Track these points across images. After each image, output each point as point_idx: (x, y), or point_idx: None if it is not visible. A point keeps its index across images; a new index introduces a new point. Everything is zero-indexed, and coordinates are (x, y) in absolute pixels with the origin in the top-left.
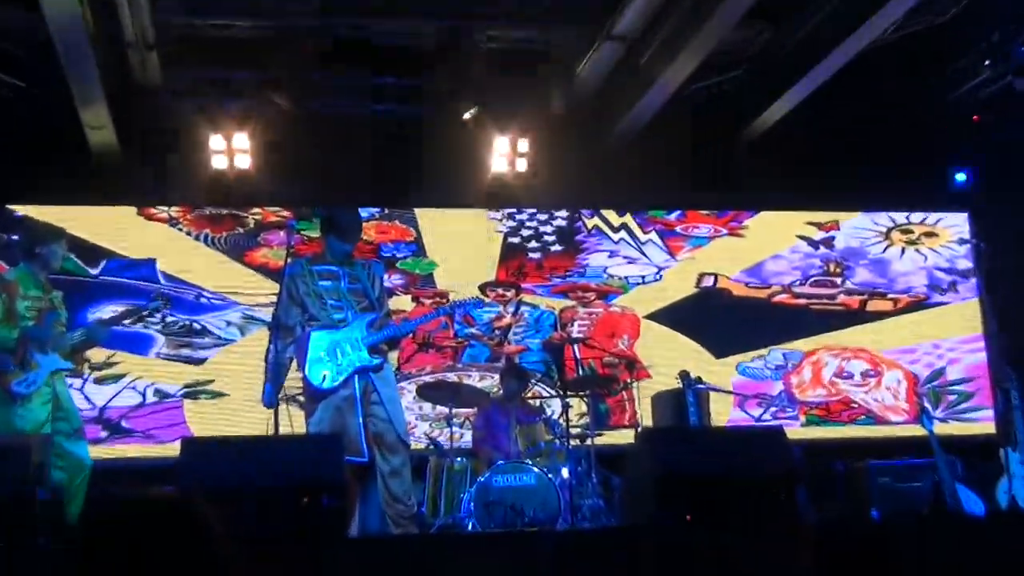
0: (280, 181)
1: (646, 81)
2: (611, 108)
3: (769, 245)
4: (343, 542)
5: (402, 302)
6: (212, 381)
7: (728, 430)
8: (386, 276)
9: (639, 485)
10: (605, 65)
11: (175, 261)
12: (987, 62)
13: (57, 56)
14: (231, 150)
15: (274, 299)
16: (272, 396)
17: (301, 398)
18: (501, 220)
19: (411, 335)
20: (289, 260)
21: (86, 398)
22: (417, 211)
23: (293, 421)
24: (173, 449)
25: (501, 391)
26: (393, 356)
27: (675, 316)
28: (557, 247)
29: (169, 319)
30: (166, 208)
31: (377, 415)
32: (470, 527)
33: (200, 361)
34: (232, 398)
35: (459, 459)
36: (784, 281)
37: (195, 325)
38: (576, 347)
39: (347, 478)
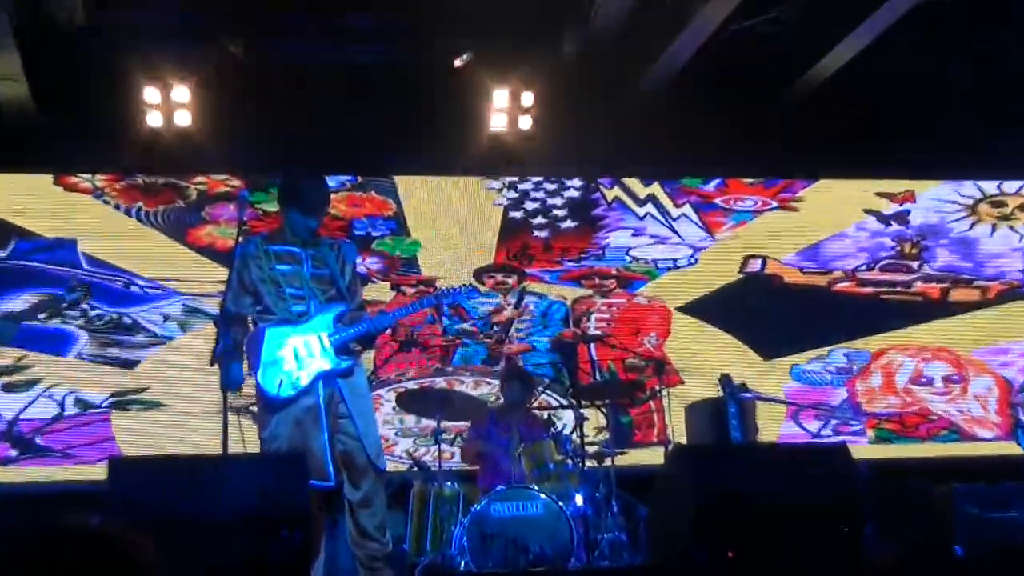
0: (229, 143)
1: (678, 20)
2: (635, 53)
3: (829, 221)
4: None
5: (379, 291)
6: (146, 388)
7: (780, 448)
8: (360, 259)
9: (670, 515)
10: (628, 0)
11: (101, 241)
12: None
13: None
14: (169, 105)
15: (222, 287)
16: (238, 373)
17: (255, 408)
18: (500, 190)
19: (389, 331)
20: (241, 239)
21: None
22: (397, 179)
23: (245, 437)
24: (98, 471)
25: (501, 400)
26: (368, 357)
27: (714, 308)
28: (569, 223)
29: (93, 312)
30: (90, 176)
31: (345, 431)
32: (462, 567)
33: (131, 364)
34: (171, 409)
35: (449, 483)
36: (848, 265)
37: (125, 320)
38: (592, 346)
39: (311, 507)
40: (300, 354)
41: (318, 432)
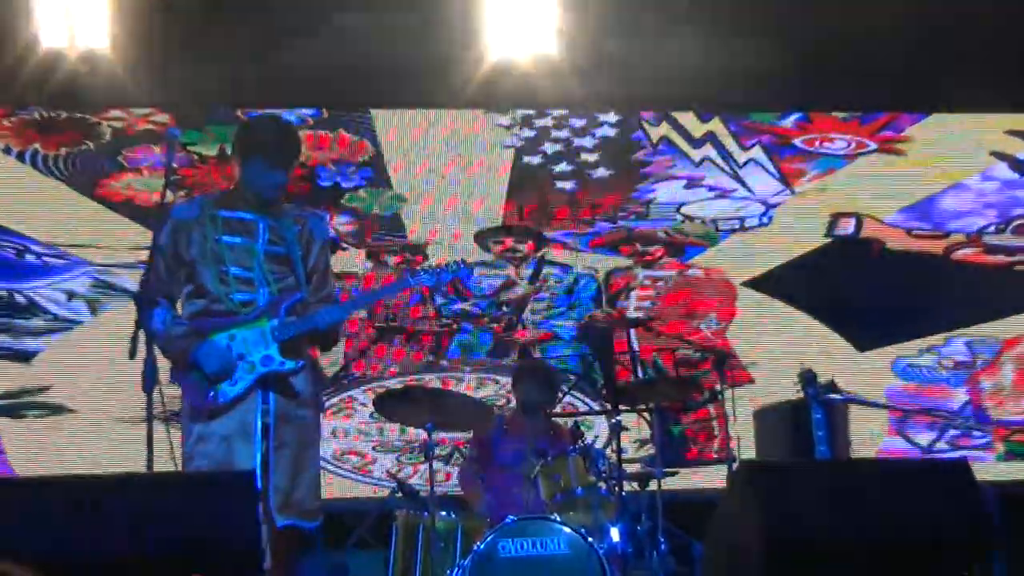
0: (153, 67)
1: None
2: None
3: (946, 168)
4: None
5: (351, 260)
6: (47, 388)
7: (881, 467)
8: (331, 219)
9: (736, 555)
10: None
11: None
12: None
13: None
14: (74, 18)
15: (145, 256)
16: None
17: None
18: (511, 128)
19: (364, 313)
20: (175, 197)
21: None
22: (375, 113)
23: (177, 451)
24: None
25: (512, 404)
26: (337, 350)
27: (793, 283)
28: (602, 172)
29: None
30: None
31: (276, 459)
32: None
33: (27, 356)
34: (79, 415)
35: (444, 513)
36: (970, 226)
37: (18, 299)
38: (633, 333)
39: (264, 541)
40: (237, 351)
41: (248, 454)
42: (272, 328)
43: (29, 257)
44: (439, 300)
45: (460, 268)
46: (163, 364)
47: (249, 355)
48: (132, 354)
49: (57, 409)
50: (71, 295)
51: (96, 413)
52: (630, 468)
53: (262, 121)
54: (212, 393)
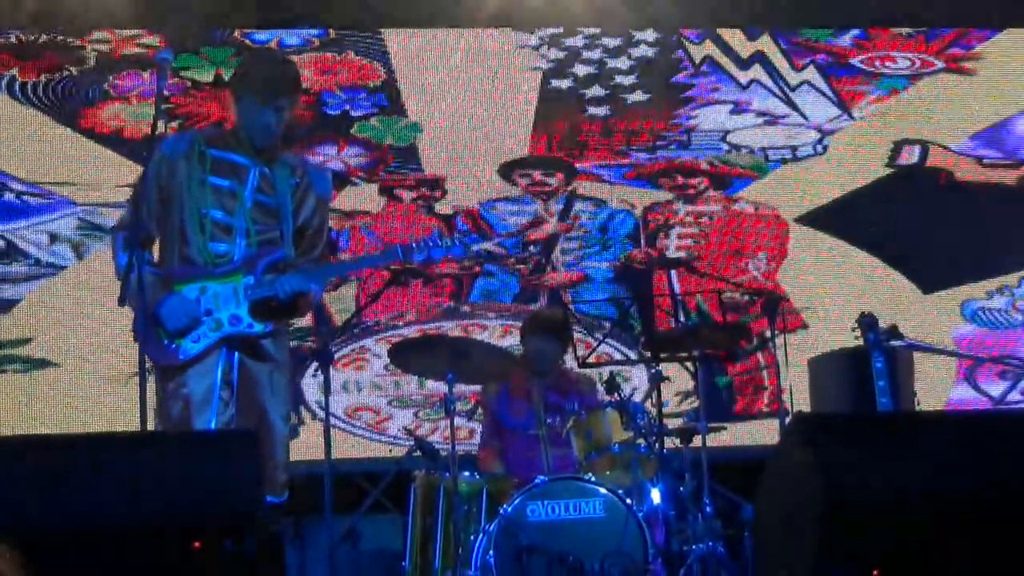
0: None
1: None
2: None
3: (1022, 90)
4: None
5: (363, 195)
6: (28, 341)
7: (949, 419)
8: (340, 150)
9: (789, 517)
10: None
11: None
12: None
13: None
14: None
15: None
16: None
17: None
18: (539, 48)
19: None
20: (167, 128)
21: None
22: (387, 34)
23: None
24: None
25: (540, 353)
26: (348, 295)
27: (851, 219)
28: (639, 96)
29: None
30: None
31: (239, 426)
32: None
33: (6, 304)
34: (63, 370)
35: (467, 474)
36: None
37: None
38: (674, 275)
39: (268, 509)
40: (208, 308)
41: (205, 419)
42: (246, 286)
43: (8, 196)
44: (460, 239)
45: (455, 245)
46: None
47: (217, 311)
48: (122, 301)
49: (40, 363)
50: (54, 237)
51: (83, 367)
52: (671, 423)
53: (256, 56)
54: (173, 347)
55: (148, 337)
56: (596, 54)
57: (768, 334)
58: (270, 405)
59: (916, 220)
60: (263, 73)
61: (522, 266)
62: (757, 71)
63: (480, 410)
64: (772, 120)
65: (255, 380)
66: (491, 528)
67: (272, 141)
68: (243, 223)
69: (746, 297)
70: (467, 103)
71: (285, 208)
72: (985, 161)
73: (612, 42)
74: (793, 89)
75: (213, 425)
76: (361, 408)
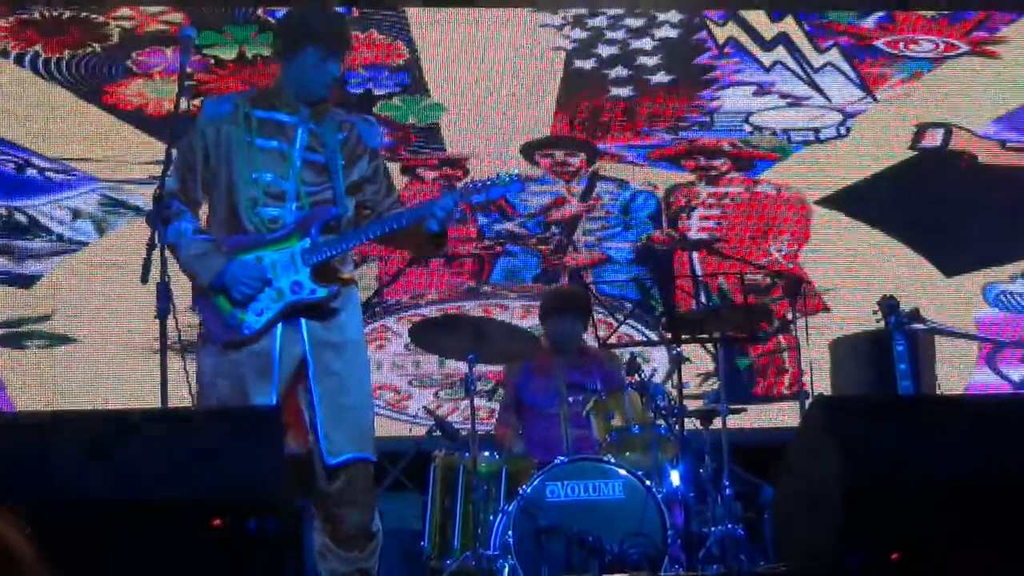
0: None
1: None
2: None
3: None
4: None
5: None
6: (49, 316)
7: (970, 403)
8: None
9: (810, 500)
10: None
11: None
12: None
13: None
14: None
15: (157, 171)
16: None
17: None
18: (561, 28)
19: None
20: (190, 105)
21: None
22: (410, 13)
23: (195, 386)
24: None
25: (561, 333)
26: (370, 273)
27: (874, 201)
28: (662, 77)
29: None
30: None
31: (321, 392)
32: (506, 572)
33: (28, 280)
34: (85, 345)
35: (487, 454)
36: None
37: (18, 217)
38: (696, 256)
39: (289, 486)
40: (267, 278)
41: (265, 389)
42: (303, 250)
43: (31, 172)
44: (481, 219)
45: (513, 182)
46: (179, 290)
47: (277, 281)
48: (145, 278)
49: (61, 339)
50: (76, 213)
51: (104, 343)
52: (692, 404)
53: (312, 8)
54: (236, 323)
55: (207, 310)
56: (620, 35)
57: (790, 316)
58: (352, 360)
59: (939, 203)
60: (327, 25)
61: (543, 246)
62: (780, 53)
63: (501, 388)
64: (795, 102)
65: (329, 340)
66: (510, 508)
67: (328, 94)
68: (294, 185)
69: (768, 279)
70: (490, 83)
71: (335, 164)
72: (1008, 144)
73: (636, 23)
74: (816, 71)
75: (274, 398)
76: (381, 387)
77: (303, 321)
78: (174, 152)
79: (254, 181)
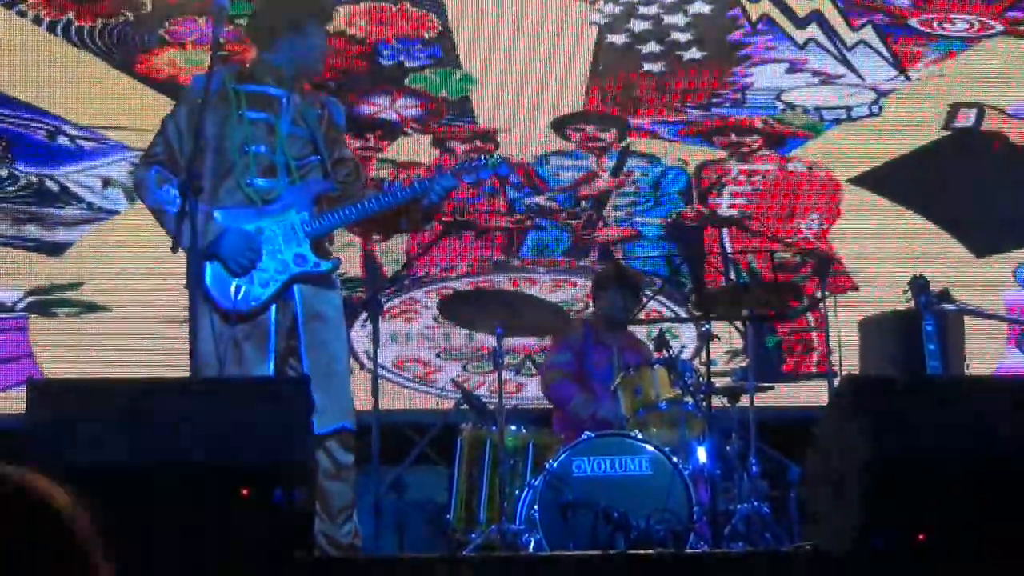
0: None
1: None
2: None
3: None
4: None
5: (415, 146)
6: (80, 284)
7: (999, 384)
8: (394, 101)
9: (837, 479)
10: None
11: (16, 72)
12: None
13: None
14: None
15: None
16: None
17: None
18: (594, 3)
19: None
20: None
21: None
22: None
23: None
24: (12, 400)
25: (592, 309)
26: (398, 245)
27: (905, 180)
28: (694, 54)
29: (5, 173)
30: None
31: (312, 361)
32: (532, 546)
33: (58, 249)
34: (115, 314)
35: (514, 427)
36: None
37: (49, 185)
38: (726, 233)
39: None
40: (269, 250)
41: (262, 359)
42: (303, 222)
43: (62, 139)
44: (512, 193)
45: (500, 164)
46: None
47: (280, 252)
48: (176, 248)
49: (91, 307)
50: (107, 182)
51: (133, 312)
52: (720, 381)
53: None
54: (237, 294)
55: (210, 282)
56: (652, 10)
57: (819, 295)
58: (336, 332)
59: (970, 183)
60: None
61: (574, 221)
62: (814, 30)
63: (529, 364)
64: (827, 80)
65: (318, 310)
66: (537, 483)
67: (306, 69)
68: (283, 158)
69: (797, 257)
70: (522, 56)
71: (318, 138)
72: None
73: None
74: (850, 49)
75: (271, 366)
76: (410, 359)
77: (296, 291)
78: (169, 124)
79: (245, 152)
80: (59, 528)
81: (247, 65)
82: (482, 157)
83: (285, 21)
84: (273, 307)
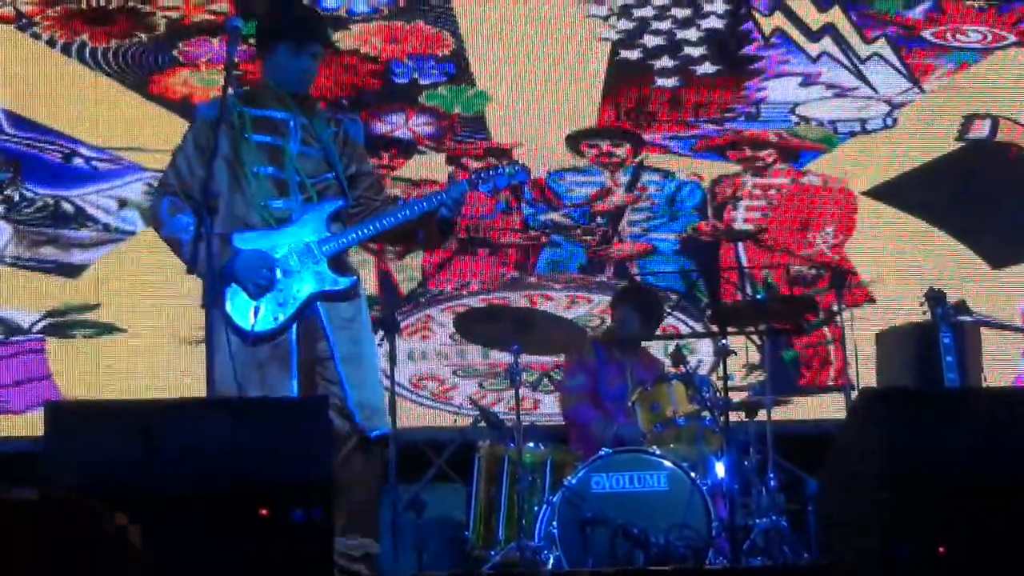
0: None
1: None
2: None
3: None
4: None
5: (429, 164)
6: (96, 306)
7: (1018, 394)
8: (408, 119)
9: (855, 492)
10: None
11: (31, 93)
12: None
13: None
14: None
15: None
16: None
17: None
18: (607, 18)
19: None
20: (230, 89)
21: None
22: (457, 2)
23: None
24: (30, 422)
25: (608, 325)
26: (414, 263)
27: (920, 192)
28: (708, 68)
29: (21, 197)
30: None
31: (328, 378)
32: (551, 564)
33: (75, 270)
34: (131, 335)
35: (531, 444)
36: None
37: (65, 206)
38: (741, 247)
39: (334, 471)
40: (286, 270)
41: (286, 376)
42: (319, 240)
43: (77, 161)
44: (526, 209)
45: (517, 172)
46: None
47: (298, 272)
48: (191, 269)
49: (108, 328)
50: (123, 203)
51: (150, 333)
52: (737, 396)
53: (281, 4)
54: (256, 316)
55: (231, 307)
56: (666, 25)
57: (835, 308)
58: (363, 338)
59: (986, 194)
60: (296, 21)
61: (589, 237)
62: (827, 43)
63: (545, 381)
64: (841, 93)
65: (342, 321)
66: (555, 499)
67: (308, 90)
68: (296, 177)
69: (813, 271)
70: (536, 73)
71: (332, 156)
72: None
73: (681, 13)
74: (863, 62)
75: (295, 383)
76: (426, 377)
77: (319, 306)
78: (179, 156)
79: (256, 175)
80: (122, 552)
81: (254, 88)
82: (500, 166)
83: (260, 41)
84: (294, 328)
